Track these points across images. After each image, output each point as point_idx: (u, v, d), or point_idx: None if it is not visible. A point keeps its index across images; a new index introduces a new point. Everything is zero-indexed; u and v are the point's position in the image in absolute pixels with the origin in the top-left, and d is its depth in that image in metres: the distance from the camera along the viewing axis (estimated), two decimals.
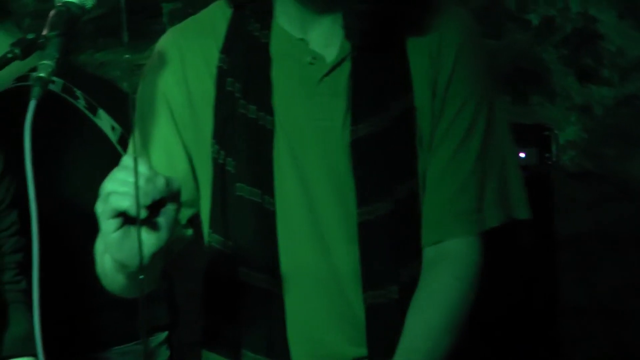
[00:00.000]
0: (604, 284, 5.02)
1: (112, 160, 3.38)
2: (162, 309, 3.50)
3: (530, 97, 5.11)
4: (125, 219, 2.00)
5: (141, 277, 2.04)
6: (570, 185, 4.86)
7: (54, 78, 3.45)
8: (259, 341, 2.46)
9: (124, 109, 3.49)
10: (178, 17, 4.68)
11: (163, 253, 2.08)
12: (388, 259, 2.43)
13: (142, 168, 1.94)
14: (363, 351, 2.45)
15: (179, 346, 3.66)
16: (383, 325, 2.43)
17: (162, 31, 4.64)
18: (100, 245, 2.33)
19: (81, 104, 3.49)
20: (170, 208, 2.03)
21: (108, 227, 2.02)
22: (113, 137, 3.50)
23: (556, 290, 4.17)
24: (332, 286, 2.44)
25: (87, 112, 3.49)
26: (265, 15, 2.46)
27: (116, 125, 3.52)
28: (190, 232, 2.45)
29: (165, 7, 4.69)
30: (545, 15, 5.06)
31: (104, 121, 3.51)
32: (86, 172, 3.29)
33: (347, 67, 2.42)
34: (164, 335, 3.54)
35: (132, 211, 1.96)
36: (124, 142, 3.46)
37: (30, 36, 2.17)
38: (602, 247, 5.00)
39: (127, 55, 2.25)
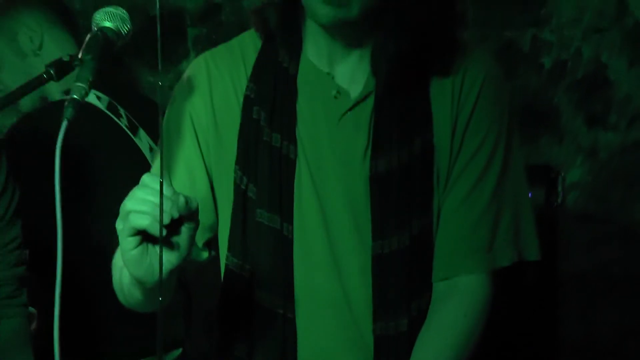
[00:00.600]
0: (603, 323, 5.02)
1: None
2: (178, 325, 3.50)
3: (539, 138, 5.10)
4: (144, 236, 2.01)
5: (160, 299, 2.06)
6: (574, 225, 4.86)
7: (101, 95, 3.51)
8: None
9: None
10: (202, 42, 4.70)
11: (179, 271, 2.08)
12: (399, 291, 2.43)
13: (166, 188, 1.95)
14: None
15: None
16: (391, 356, 2.43)
17: (186, 55, 4.70)
18: (118, 261, 2.35)
19: (124, 122, 3.50)
20: (188, 227, 2.02)
21: (127, 244, 2.03)
22: (150, 158, 3.51)
23: (556, 327, 4.17)
24: (344, 314, 2.44)
25: (128, 131, 3.51)
26: (294, 48, 2.47)
27: (154, 146, 3.54)
28: (206, 254, 2.47)
29: (190, 32, 4.69)
30: (557, 59, 5.06)
31: (144, 141, 3.52)
32: (122, 190, 3.30)
33: (370, 103, 2.43)
34: (178, 351, 3.54)
35: (151, 229, 1.97)
36: None
37: (66, 58, 2.18)
38: (602, 287, 5.00)
39: (160, 83, 2.25)
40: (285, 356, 2.45)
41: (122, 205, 2.05)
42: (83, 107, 2.02)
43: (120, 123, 3.49)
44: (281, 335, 2.45)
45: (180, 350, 3.55)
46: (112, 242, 2.55)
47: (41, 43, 3.56)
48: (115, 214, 2.19)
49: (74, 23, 3.69)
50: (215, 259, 2.51)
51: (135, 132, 3.51)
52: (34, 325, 3.40)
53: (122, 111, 3.50)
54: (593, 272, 4.94)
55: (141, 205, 1.99)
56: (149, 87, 4.62)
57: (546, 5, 5.03)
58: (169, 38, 4.48)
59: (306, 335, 2.45)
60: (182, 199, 1.99)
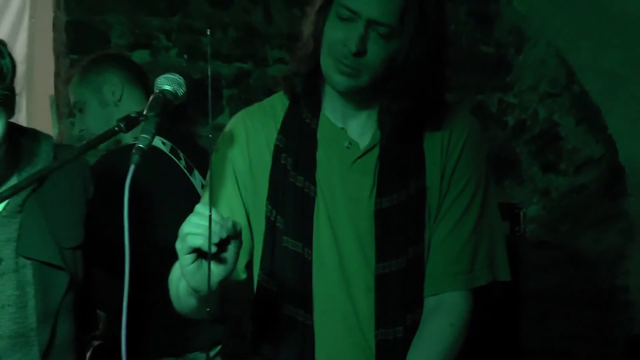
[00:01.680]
0: (556, 331, 5.00)
1: None
2: (219, 327, 3.49)
3: (504, 181, 5.11)
4: (199, 253, 2.04)
5: (207, 309, 2.11)
6: (532, 251, 4.86)
7: (165, 141, 3.51)
8: None
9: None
10: (234, 100, 4.71)
11: (225, 281, 2.10)
12: (397, 304, 2.43)
13: (214, 214, 1.98)
14: None
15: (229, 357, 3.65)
16: (389, 357, 2.43)
17: (222, 111, 4.71)
18: (175, 275, 2.38)
19: (182, 164, 3.51)
20: (234, 245, 2.05)
21: (185, 261, 2.06)
22: (202, 193, 3.53)
23: (518, 334, 4.16)
24: (352, 322, 2.44)
25: (185, 171, 3.52)
26: (315, 107, 2.48)
27: (205, 183, 3.54)
28: (245, 275, 2.45)
29: (225, 93, 4.70)
30: (519, 118, 5.08)
31: (197, 180, 3.53)
32: (180, 217, 3.32)
33: (376, 152, 2.44)
34: (218, 347, 3.53)
35: (204, 247, 2.01)
36: None
37: (133, 114, 2.19)
38: (555, 301, 4.99)
39: (209, 135, 2.24)
40: (303, 355, 2.44)
41: (180, 229, 2.08)
42: (152, 151, 2.05)
43: (179, 164, 3.51)
44: (301, 338, 2.44)
45: (220, 347, 3.56)
46: (170, 258, 2.59)
47: (121, 96, 3.58)
48: (174, 235, 2.21)
49: (146, 83, 3.70)
50: (251, 280, 2.52)
51: (191, 172, 3.52)
52: (101, 326, 3.42)
53: (181, 154, 3.51)
54: (547, 289, 4.94)
55: (196, 229, 2.02)
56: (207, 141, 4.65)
57: (510, 75, 5.05)
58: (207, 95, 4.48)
59: (321, 339, 2.44)
60: (230, 222, 2.03)
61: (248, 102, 4.19)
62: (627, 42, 4.49)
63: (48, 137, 2.66)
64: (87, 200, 2.67)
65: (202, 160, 3.61)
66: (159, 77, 2.24)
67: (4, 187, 2.37)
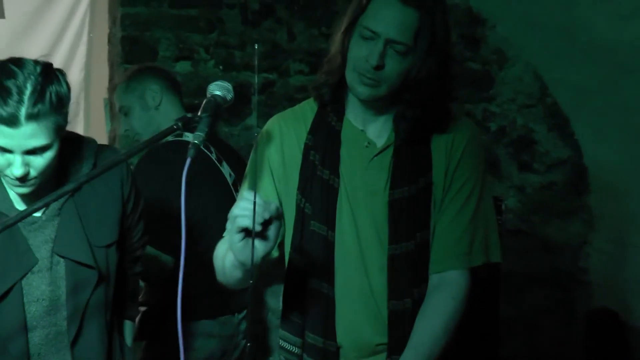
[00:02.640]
0: (527, 305, 5.00)
1: (227, 195, 3.42)
2: (245, 294, 3.50)
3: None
4: (246, 232, 2.04)
5: (251, 281, 2.09)
6: (509, 237, 4.85)
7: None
8: (317, 326, 2.45)
9: (237, 163, 3.53)
10: (261, 105, 4.70)
11: (267, 256, 2.11)
12: (406, 281, 2.43)
13: (258, 199, 1.99)
14: (384, 340, 2.44)
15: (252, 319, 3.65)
16: (399, 325, 2.43)
17: (250, 114, 4.69)
18: (220, 252, 2.38)
19: (213, 156, 3.51)
20: (275, 225, 2.06)
21: (235, 239, 2.06)
22: (229, 181, 3.54)
23: (497, 307, 4.15)
24: (368, 295, 2.44)
25: (216, 162, 3.52)
26: (339, 112, 2.48)
27: (232, 173, 3.54)
28: (277, 253, 2.43)
29: (252, 99, 4.67)
30: (500, 125, 5.07)
31: (225, 169, 3.54)
32: (212, 201, 3.30)
33: (390, 151, 2.44)
34: (244, 312, 3.53)
35: (250, 227, 2.01)
36: (235, 185, 3.48)
37: (189, 115, 2.17)
38: (527, 281, 4.98)
39: (256, 134, 2.25)
40: (327, 322, 2.44)
41: (230, 212, 2.09)
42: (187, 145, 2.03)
43: (211, 156, 3.52)
44: (324, 307, 2.44)
45: (245, 312, 3.57)
46: (206, 234, 2.56)
47: (160, 101, 3.58)
48: (209, 213, 2.21)
49: (180, 90, 3.71)
50: (282, 257, 2.52)
51: (220, 163, 3.53)
52: (142, 296, 3.40)
53: (212, 149, 3.51)
54: (522, 269, 4.93)
55: (243, 211, 2.02)
56: (224, 134, 4.62)
57: (493, 88, 5.04)
58: (239, 102, 4.49)
59: (341, 308, 2.44)
60: (272, 206, 2.05)
61: (272, 107, 4.20)
62: (592, 62, 4.47)
63: (90, 141, 2.59)
64: (123, 200, 2.60)
65: (228, 153, 3.66)
66: (211, 84, 2.22)
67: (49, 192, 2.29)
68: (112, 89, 5.03)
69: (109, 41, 5.07)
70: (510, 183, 5.08)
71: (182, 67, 4.66)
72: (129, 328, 2.80)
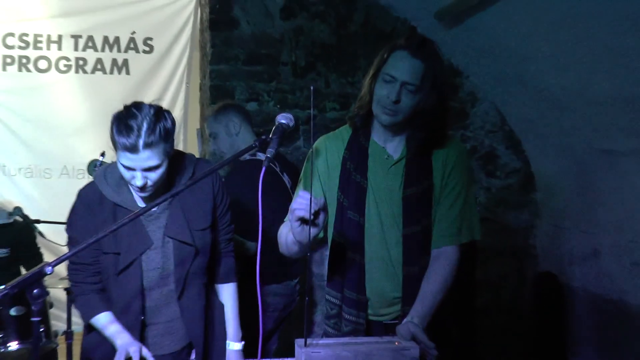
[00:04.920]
0: (492, 271, 4.95)
1: (287, 197, 3.37)
2: (298, 264, 3.47)
3: None
4: (302, 220, 2.02)
5: (307, 253, 2.07)
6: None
7: (260, 153, 3.46)
8: (352, 285, 2.42)
9: (293, 174, 3.48)
10: (306, 133, 4.66)
11: (316, 237, 2.09)
12: (416, 253, 2.39)
13: (310, 196, 1.98)
14: (400, 295, 2.40)
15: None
16: (410, 284, 2.39)
17: (299, 139, 4.63)
18: (283, 232, 2.37)
19: (278, 168, 3.46)
20: (323, 215, 2.04)
21: (294, 225, 2.05)
22: (288, 186, 3.48)
23: (474, 270, 4.11)
24: (388, 263, 2.41)
25: (279, 173, 3.46)
26: (367, 134, 2.47)
27: (290, 181, 3.50)
28: (323, 234, 2.40)
29: (301, 128, 4.64)
30: (472, 144, 5.03)
31: (285, 178, 3.50)
32: (277, 201, 3.26)
33: (403, 162, 2.41)
34: (298, 278, 3.52)
35: (305, 217, 2.00)
36: (292, 189, 3.41)
37: (263, 137, 2.15)
38: (493, 254, 4.92)
39: (311, 151, 2.25)
40: (359, 282, 2.41)
41: (290, 206, 2.07)
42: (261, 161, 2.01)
43: (276, 169, 3.46)
44: (357, 272, 2.41)
45: (298, 278, 3.54)
46: (273, 225, 2.51)
47: (239, 130, 3.53)
48: (275, 210, 2.17)
49: (251, 122, 3.66)
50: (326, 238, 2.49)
51: (282, 174, 3.48)
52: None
53: (276, 163, 3.48)
54: (489, 246, 4.88)
55: (300, 205, 2.00)
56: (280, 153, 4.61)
57: (468, 120, 4.97)
58: (291, 131, 4.47)
59: (369, 272, 2.41)
60: (321, 201, 2.03)
61: (314, 134, 4.16)
62: (538, 101, 4.40)
63: (190, 156, 2.59)
64: (214, 196, 2.57)
65: (287, 166, 3.59)
66: (278, 115, 2.20)
67: (162, 194, 2.30)
68: (202, 121, 5.02)
69: (200, 88, 5.07)
70: (480, 185, 5.01)
71: (252, 106, 4.62)
72: (233, 288, 2.73)
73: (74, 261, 2.45)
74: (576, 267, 4.52)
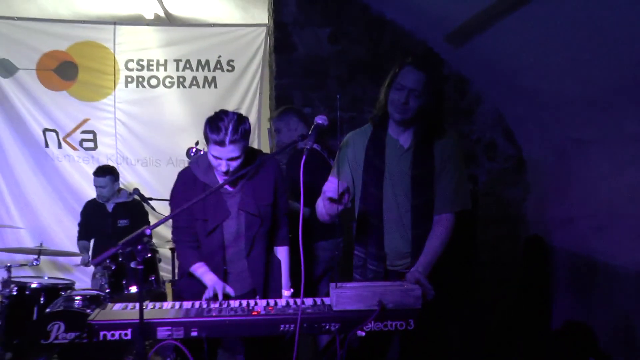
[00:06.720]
0: (490, 235, 4.83)
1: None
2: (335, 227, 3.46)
3: (469, 165, 4.96)
4: (330, 200, 2.04)
5: (335, 221, 2.06)
6: (482, 198, 4.73)
7: (318, 145, 3.45)
8: (373, 242, 2.43)
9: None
10: (349, 129, 4.62)
11: (344, 209, 2.11)
12: (422, 219, 2.38)
13: (337, 180, 1.99)
14: (409, 250, 2.40)
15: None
16: (418, 242, 2.39)
17: (342, 133, 4.58)
18: (319, 205, 2.35)
19: (325, 154, 3.45)
20: (347, 196, 2.06)
21: (326, 202, 2.08)
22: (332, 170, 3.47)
23: (475, 235, 4.05)
24: (400, 225, 2.41)
25: (327, 158, 3.45)
26: (384, 129, 2.47)
27: (333, 166, 3.48)
28: (350, 205, 2.40)
29: (345, 126, 4.63)
30: (477, 136, 4.91)
31: (332, 162, 3.47)
32: (324, 180, 3.25)
33: (411, 150, 2.39)
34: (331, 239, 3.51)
35: (334, 197, 2.02)
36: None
37: (304, 133, 2.18)
38: (492, 222, 4.81)
39: (339, 144, 2.27)
40: (379, 240, 2.42)
41: (323, 188, 2.09)
42: (314, 150, 2.01)
43: (323, 154, 3.45)
44: (377, 234, 2.42)
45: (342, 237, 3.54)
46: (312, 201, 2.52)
47: (297, 127, 3.55)
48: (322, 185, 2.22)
49: (307, 121, 3.66)
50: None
51: (329, 159, 3.47)
52: None
53: (324, 151, 3.46)
54: (488, 215, 4.78)
55: (329, 188, 2.01)
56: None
57: (473, 116, 4.87)
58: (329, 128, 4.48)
59: (387, 233, 2.41)
60: (345, 184, 2.05)
61: (343, 132, 4.11)
62: (528, 102, 4.27)
63: (259, 151, 2.63)
64: (275, 179, 2.60)
65: (332, 154, 3.54)
66: (316, 117, 2.21)
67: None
68: (270, 122, 5.07)
69: (270, 98, 5.11)
70: (483, 168, 4.91)
71: (306, 110, 4.62)
72: (286, 250, 2.76)
73: (177, 225, 2.55)
74: (557, 231, 4.41)
